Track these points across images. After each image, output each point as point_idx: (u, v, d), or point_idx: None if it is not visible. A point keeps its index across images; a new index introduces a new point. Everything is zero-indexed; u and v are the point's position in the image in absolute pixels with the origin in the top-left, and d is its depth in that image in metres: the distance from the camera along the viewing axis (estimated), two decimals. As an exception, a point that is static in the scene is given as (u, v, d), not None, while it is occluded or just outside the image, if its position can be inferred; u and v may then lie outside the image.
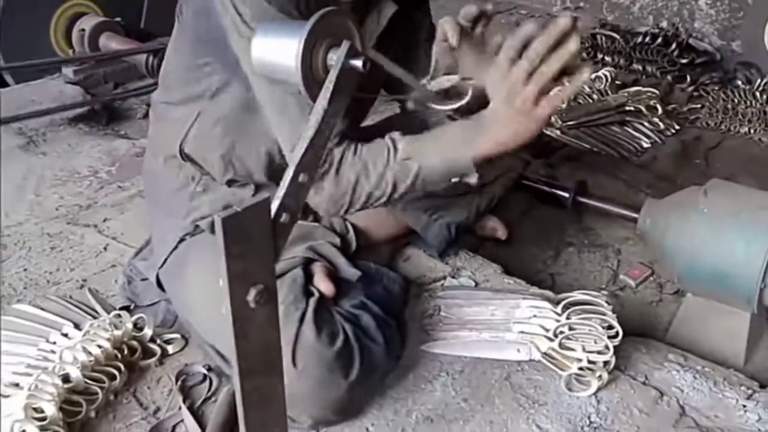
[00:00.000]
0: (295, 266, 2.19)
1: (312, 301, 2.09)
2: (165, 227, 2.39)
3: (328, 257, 2.32)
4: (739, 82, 4.28)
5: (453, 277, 2.61)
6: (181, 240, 2.31)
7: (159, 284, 2.40)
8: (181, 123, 2.27)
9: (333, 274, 2.27)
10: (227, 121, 2.20)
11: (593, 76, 4.10)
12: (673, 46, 4.71)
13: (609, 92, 4.04)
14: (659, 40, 4.76)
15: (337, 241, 2.40)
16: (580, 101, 3.95)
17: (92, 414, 2.12)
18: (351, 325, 2.11)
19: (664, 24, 5.04)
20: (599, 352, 2.19)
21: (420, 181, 2.05)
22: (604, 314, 2.27)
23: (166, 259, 2.34)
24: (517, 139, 1.99)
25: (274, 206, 1.60)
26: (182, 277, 2.28)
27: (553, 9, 5.54)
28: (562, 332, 2.24)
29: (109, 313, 2.40)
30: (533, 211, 3.17)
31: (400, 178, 2.03)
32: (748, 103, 3.97)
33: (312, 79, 1.75)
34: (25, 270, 2.73)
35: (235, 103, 2.17)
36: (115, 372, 2.21)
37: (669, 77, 4.44)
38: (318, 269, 2.24)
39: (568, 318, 2.26)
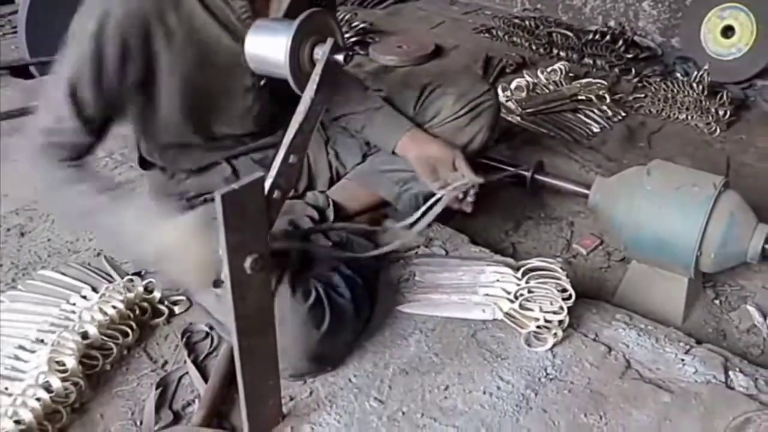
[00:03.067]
0: None
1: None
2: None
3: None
4: (678, 75, 4.28)
5: (426, 247, 2.60)
6: None
7: None
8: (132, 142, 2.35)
9: None
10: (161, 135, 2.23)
11: (549, 69, 4.09)
12: (620, 42, 4.70)
13: (563, 83, 4.02)
14: (608, 37, 4.76)
15: (316, 214, 2.41)
16: (538, 91, 3.93)
17: (108, 367, 2.12)
18: (322, 283, 2.11)
19: (611, 23, 5.02)
20: (555, 312, 2.19)
21: (100, 230, 2.05)
22: (559, 279, 2.27)
23: None
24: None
25: (268, 184, 1.59)
26: None
27: (514, 10, 5.51)
28: (522, 295, 2.24)
29: (122, 277, 2.39)
30: (496, 187, 3.15)
31: (92, 210, 1.95)
32: (686, 93, 3.96)
33: (299, 71, 1.74)
34: (48, 240, 2.71)
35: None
36: (128, 330, 2.21)
37: (616, 70, 4.43)
38: None
39: (527, 282, 2.27)
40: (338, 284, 2.16)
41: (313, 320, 2.02)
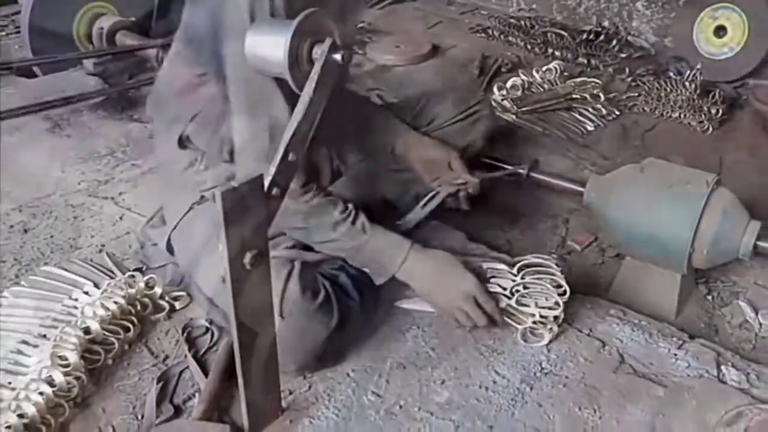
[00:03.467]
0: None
1: (297, 263, 2.09)
2: (176, 199, 2.38)
3: None
4: (671, 74, 4.27)
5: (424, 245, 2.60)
6: (190, 208, 2.30)
7: (169, 248, 2.39)
8: (180, 120, 2.29)
9: None
10: (223, 115, 2.15)
11: (545, 68, 4.09)
12: (614, 42, 4.71)
13: (558, 82, 4.02)
14: (602, 37, 4.76)
15: None
16: (533, 90, 3.93)
17: (109, 362, 2.13)
18: (330, 282, 2.13)
19: (606, 23, 5.02)
20: (550, 308, 2.19)
21: (351, 253, 2.17)
22: (554, 275, 2.27)
23: (177, 224, 2.34)
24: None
25: (267, 182, 1.59)
26: (190, 238, 2.30)
27: (509, 10, 5.50)
28: (517, 291, 2.23)
29: (124, 273, 2.40)
30: (493, 185, 3.15)
31: (345, 235, 2.12)
32: (679, 91, 3.95)
33: (298, 71, 1.74)
34: (51, 236, 2.71)
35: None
36: (130, 325, 2.22)
37: (610, 69, 4.42)
38: None
39: (523, 278, 2.26)
40: (346, 284, 2.17)
41: (321, 319, 2.04)
